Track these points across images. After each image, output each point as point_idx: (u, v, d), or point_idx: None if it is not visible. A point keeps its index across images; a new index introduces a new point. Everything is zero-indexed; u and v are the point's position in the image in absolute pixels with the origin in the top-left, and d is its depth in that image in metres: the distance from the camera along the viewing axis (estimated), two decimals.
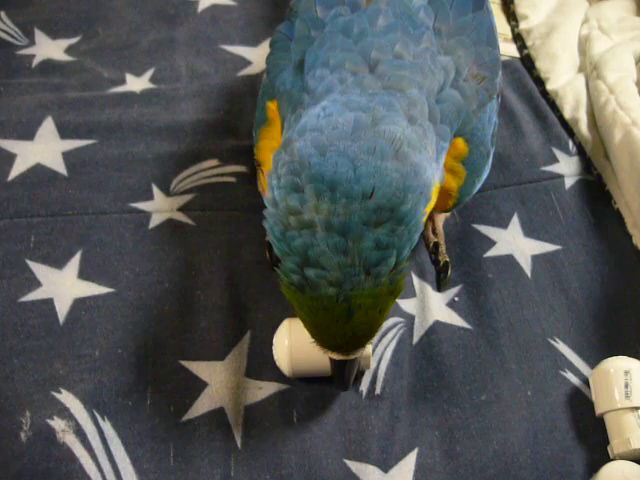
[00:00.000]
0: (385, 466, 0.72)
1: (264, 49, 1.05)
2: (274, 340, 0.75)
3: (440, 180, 0.70)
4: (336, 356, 0.65)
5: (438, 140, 0.68)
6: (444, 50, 0.72)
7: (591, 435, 0.75)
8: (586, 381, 0.79)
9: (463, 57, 0.73)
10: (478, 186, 0.81)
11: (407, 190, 0.58)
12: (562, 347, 0.82)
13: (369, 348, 0.72)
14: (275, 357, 0.74)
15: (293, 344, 0.73)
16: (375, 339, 0.75)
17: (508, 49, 1.14)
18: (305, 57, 0.71)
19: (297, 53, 0.73)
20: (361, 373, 0.77)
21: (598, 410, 0.76)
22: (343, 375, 0.69)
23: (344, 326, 0.60)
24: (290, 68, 0.73)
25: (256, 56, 1.12)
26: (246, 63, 1.12)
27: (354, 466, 0.72)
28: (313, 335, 0.64)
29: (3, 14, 1.16)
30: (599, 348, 0.82)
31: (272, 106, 0.75)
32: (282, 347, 0.73)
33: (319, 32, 0.72)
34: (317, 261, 0.57)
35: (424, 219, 0.64)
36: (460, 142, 0.73)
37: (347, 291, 0.57)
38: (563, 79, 1.07)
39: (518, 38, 1.16)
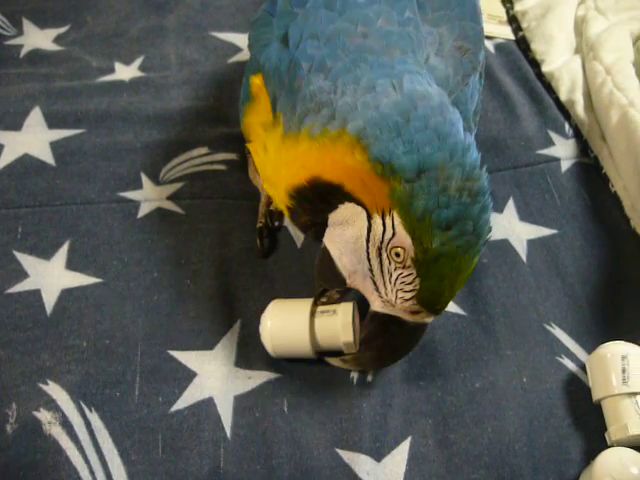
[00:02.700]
0: (378, 455, 0.71)
1: None
2: (261, 320, 0.75)
3: None
4: (423, 317, 0.66)
5: None
6: (428, 23, 0.73)
7: (588, 422, 0.74)
8: (583, 367, 0.77)
9: (447, 30, 0.73)
10: None
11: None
12: (558, 332, 0.80)
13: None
14: (261, 336, 0.75)
15: (274, 325, 0.74)
16: None
17: (503, 31, 1.13)
18: (289, 31, 0.71)
19: (280, 28, 0.73)
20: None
21: (595, 396, 0.74)
22: (402, 343, 0.69)
23: (464, 281, 0.64)
24: (275, 43, 0.73)
25: (246, 42, 1.09)
26: (236, 50, 1.11)
27: (346, 455, 0.70)
28: (427, 296, 0.64)
29: None
30: (596, 333, 0.80)
31: (256, 80, 0.74)
32: (265, 327, 0.74)
33: (301, 8, 0.72)
34: (480, 226, 0.61)
35: None
36: None
37: (480, 253, 0.63)
38: (559, 61, 1.06)
39: (513, 20, 1.14)
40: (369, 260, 0.65)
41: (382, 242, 0.63)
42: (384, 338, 0.68)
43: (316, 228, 0.70)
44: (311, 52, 0.69)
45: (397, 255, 0.62)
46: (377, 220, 0.63)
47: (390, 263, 0.63)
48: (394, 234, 0.62)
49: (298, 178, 0.67)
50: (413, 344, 0.70)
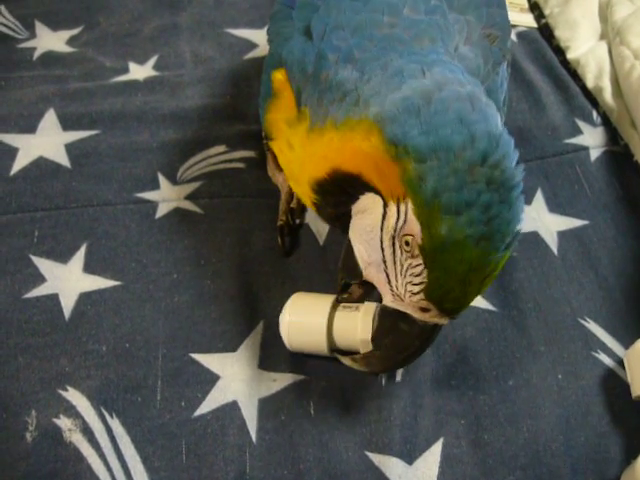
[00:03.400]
0: (409, 458, 0.68)
1: None
2: (281, 313, 0.73)
3: None
4: (433, 316, 0.61)
5: None
6: (455, 10, 0.70)
7: (628, 419, 0.71)
8: (620, 362, 0.75)
9: (474, 17, 0.71)
10: None
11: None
12: (593, 327, 0.78)
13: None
14: (280, 329, 0.73)
15: (294, 315, 0.72)
16: None
17: (525, 19, 1.10)
18: (312, 24, 0.69)
19: (301, 20, 0.71)
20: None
21: (635, 392, 0.72)
22: (415, 345, 0.64)
23: (480, 282, 0.59)
24: (297, 36, 0.71)
25: (262, 38, 1.06)
26: (252, 46, 1.09)
27: (376, 458, 0.68)
28: (435, 290, 0.59)
29: (3, 8, 1.14)
30: (633, 327, 0.78)
31: (278, 75, 0.72)
32: (284, 319, 0.72)
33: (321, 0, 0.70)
34: (499, 220, 0.57)
35: None
36: None
37: (505, 248, 0.58)
38: (584, 47, 1.03)
39: (535, 7, 1.12)
40: (382, 250, 0.62)
41: (395, 230, 0.60)
42: (391, 336, 0.64)
43: (343, 219, 0.68)
44: (337, 43, 0.67)
45: (407, 244, 0.59)
46: (392, 208, 0.60)
47: (402, 253, 0.60)
48: (405, 221, 0.59)
49: (319, 171, 0.65)
50: (422, 347, 0.64)
